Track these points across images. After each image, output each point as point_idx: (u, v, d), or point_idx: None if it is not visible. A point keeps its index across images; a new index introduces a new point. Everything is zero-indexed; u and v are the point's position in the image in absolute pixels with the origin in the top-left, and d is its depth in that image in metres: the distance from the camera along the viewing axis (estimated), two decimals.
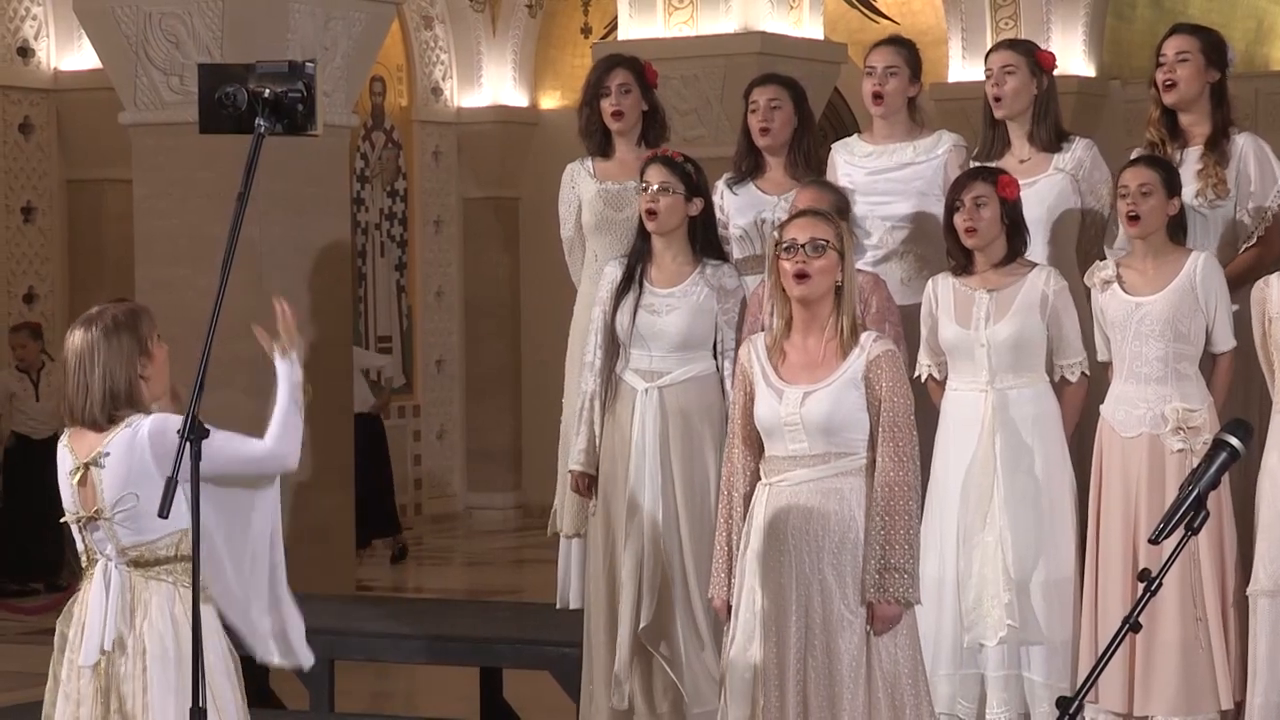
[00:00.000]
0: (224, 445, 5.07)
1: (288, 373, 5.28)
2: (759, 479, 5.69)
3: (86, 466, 5.16)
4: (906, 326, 6.86)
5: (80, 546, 5.26)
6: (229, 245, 4.86)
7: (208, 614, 5.16)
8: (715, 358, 6.87)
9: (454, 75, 16.09)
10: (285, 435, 5.21)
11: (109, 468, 5.12)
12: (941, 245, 6.88)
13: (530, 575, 13.40)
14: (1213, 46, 7.01)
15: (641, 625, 6.71)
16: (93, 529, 5.20)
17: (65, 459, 5.25)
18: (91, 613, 5.19)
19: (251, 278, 9.04)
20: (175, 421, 5.00)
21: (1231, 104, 7.01)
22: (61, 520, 5.31)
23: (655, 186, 6.74)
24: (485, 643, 7.73)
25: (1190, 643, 6.49)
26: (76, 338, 5.17)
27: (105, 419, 5.15)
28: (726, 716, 5.68)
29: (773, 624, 5.59)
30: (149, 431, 5.07)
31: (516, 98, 16.18)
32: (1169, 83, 6.95)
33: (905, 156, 7.23)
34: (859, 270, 6.80)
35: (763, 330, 5.86)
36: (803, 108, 7.34)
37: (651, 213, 6.76)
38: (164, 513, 4.78)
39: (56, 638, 5.30)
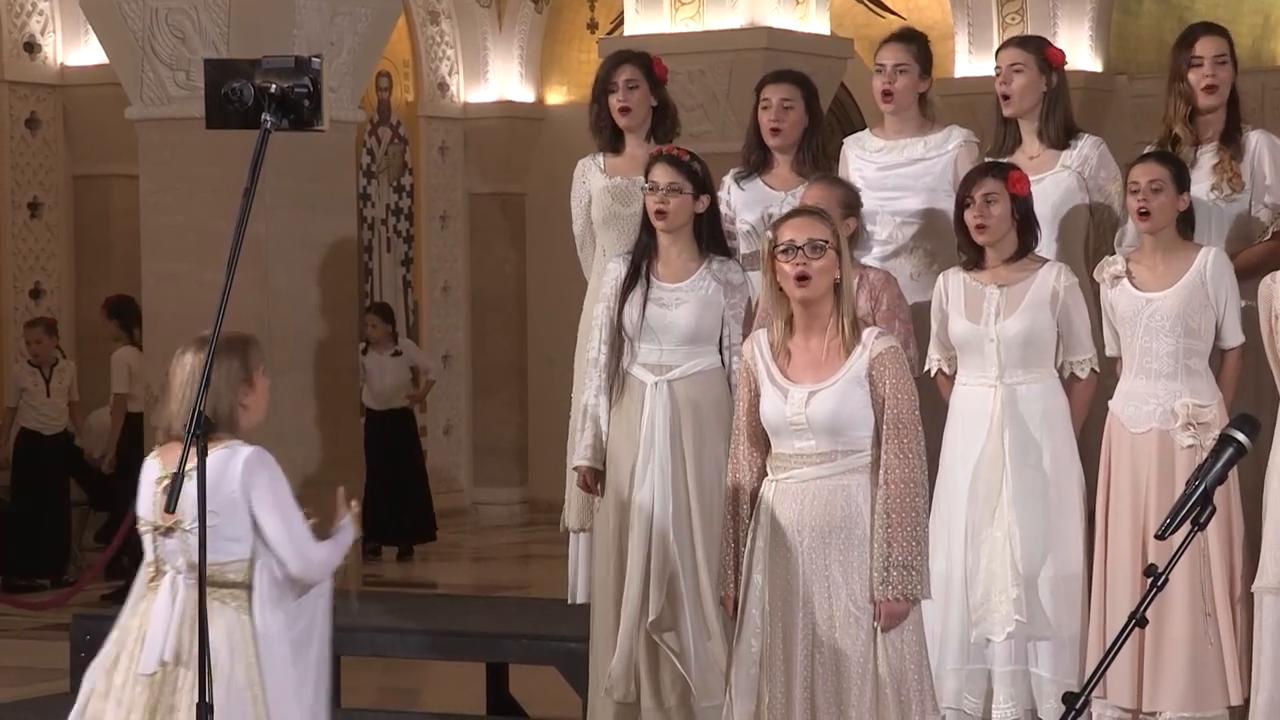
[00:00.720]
0: (289, 512, 5.21)
1: (348, 538, 5.46)
2: (765, 475, 5.69)
3: (174, 476, 5.15)
4: (916, 322, 6.86)
5: (150, 557, 5.32)
6: (235, 241, 4.86)
7: (277, 637, 5.25)
8: (720, 352, 6.87)
9: (460, 71, 16.07)
10: (328, 560, 5.34)
11: (197, 481, 5.11)
12: (951, 241, 6.88)
13: (537, 571, 13.40)
14: (1233, 46, 7.02)
15: (650, 618, 6.71)
16: (167, 538, 5.25)
17: (153, 468, 5.31)
18: (155, 623, 5.23)
19: (258, 273, 9.04)
20: (271, 460, 5.17)
21: (1240, 99, 7.02)
22: (140, 529, 5.35)
23: (664, 187, 6.74)
24: (492, 638, 7.74)
25: (1199, 638, 6.49)
26: (188, 359, 5.27)
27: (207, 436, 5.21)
28: (732, 711, 5.68)
29: (779, 620, 5.59)
30: (245, 459, 5.18)
31: (523, 93, 16.17)
32: (1211, 85, 6.94)
33: (916, 152, 7.22)
34: (870, 267, 6.83)
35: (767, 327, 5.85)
36: (814, 106, 7.34)
37: (661, 213, 6.76)
38: (170, 508, 4.83)
39: (111, 645, 5.34)
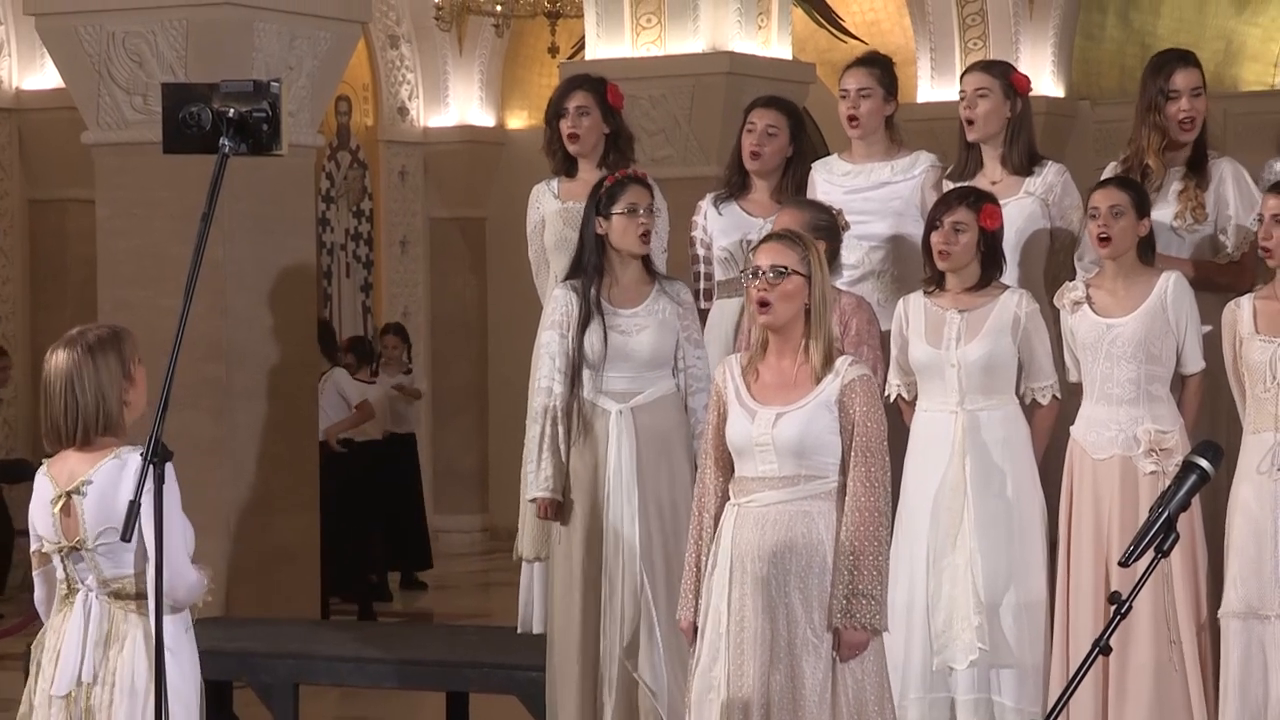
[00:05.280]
0: (171, 527, 5.00)
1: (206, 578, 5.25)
2: (729, 499, 5.65)
3: (69, 495, 5.08)
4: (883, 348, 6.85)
5: (60, 575, 5.18)
6: (193, 266, 4.82)
7: (185, 640, 5.12)
8: (675, 375, 6.84)
9: (420, 95, 16.03)
10: (200, 583, 5.15)
11: (91, 496, 5.05)
12: (919, 266, 6.86)
13: (497, 599, 13.33)
14: (1204, 76, 7.04)
15: (621, 647, 6.67)
16: (75, 559, 5.13)
17: (45, 487, 5.16)
18: (68, 642, 5.12)
19: (216, 299, 8.98)
20: (164, 467, 4.92)
21: (1208, 126, 7.02)
22: (44, 549, 5.20)
23: (645, 208, 6.73)
24: (452, 667, 7.67)
25: (1164, 665, 6.47)
26: (60, 358, 5.08)
27: (91, 440, 5.07)
28: None
29: (738, 646, 5.55)
30: (136, 467, 4.95)
31: (483, 117, 16.14)
32: (1189, 119, 6.94)
33: (883, 176, 7.22)
34: (844, 292, 6.79)
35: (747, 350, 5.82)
36: (799, 136, 7.34)
37: (647, 235, 6.74)
38: (126, 536, 4.74)
39: (31, 665, 5.24)
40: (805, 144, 7.43)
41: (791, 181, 7.30)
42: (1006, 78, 7.10)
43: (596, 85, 7.48)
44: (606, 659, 6.69)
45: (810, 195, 7.23)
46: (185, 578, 5.08)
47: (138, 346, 5.14)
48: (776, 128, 7.28)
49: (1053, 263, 7.12)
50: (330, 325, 14.04)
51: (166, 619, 5.01)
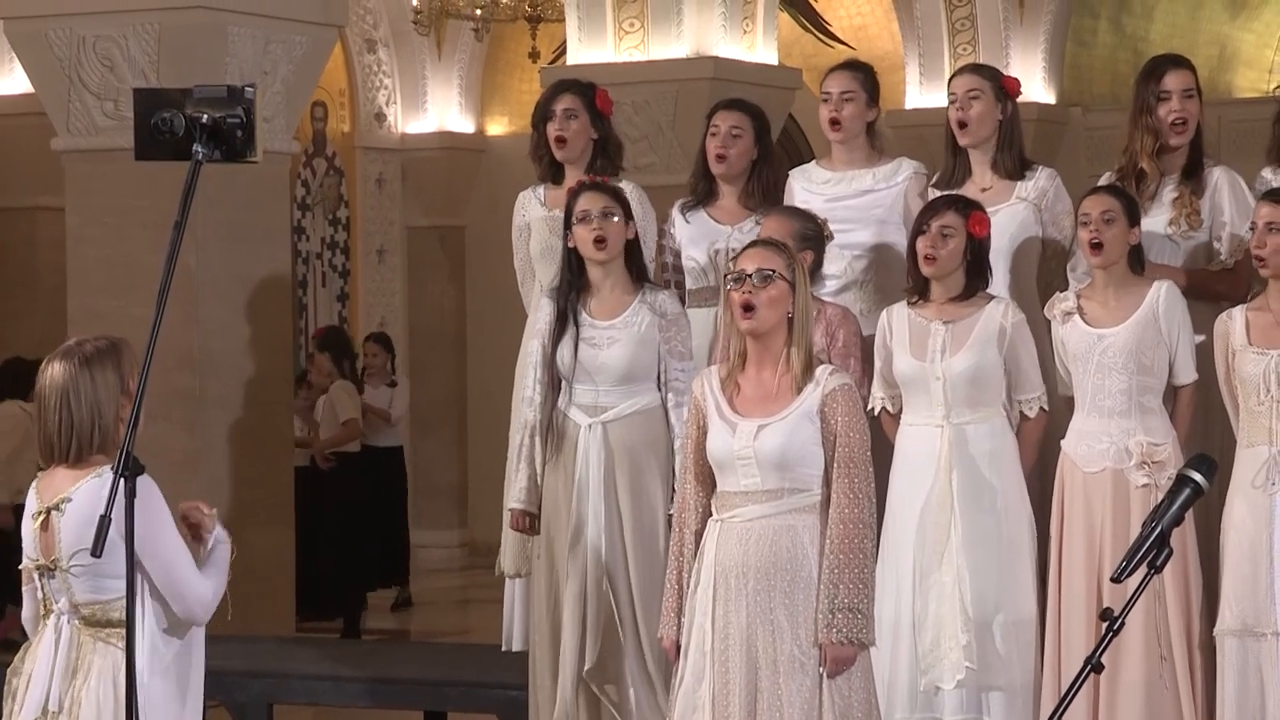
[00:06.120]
0: (171, 551, 4.89)
1: (225, 554, 5.12)
2: (711, 515, 5.58)
3: (49, 511, 4.99)
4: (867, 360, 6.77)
5: (39, 595, 5.10)
6: (165, 275, 4.75)
7: (176, 673, 5.01)
8: (659, 389, 6.75)
9: (398, 100, 15.97)
10: (214, 591, 5.03)
11: (69, 514, 4.95)
12: (902, 275, 6.76)
13: (476, 616, 13.29)
14: (1198, 79, 7.02)
15: (586, 666, 6.61)
16: (49, 578, 5.03)
17: (31, 502, 5.08)
18: (39, 667, 5.03)
19: (188, 308, 8.92)
20: (148, 485, 4.81)
21: (1203, 132, 7.00)
22: (19, 566, 5.13)
23: (598, 214, 6.59)
24: (430, 685, 7.65)
25: (1154, 683, 6.43)
26: (56, 370, 4.98)
27: (84, 457, 4.96)
28: None
29: (722, 664, 5.50)
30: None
31: (462, 124, 16.08)
32: (1181, 120, 6.90)
33: (864, 183, 7.15)
34: (829, 303, 6.72)
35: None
36: (764, 138, 7.26)
37: (601, 241, 6.60)
38: (96, 552, 4.62)
39: (6, 688, 5.16)
40: (771, 147, 7.35)
41: (759, 185, 7.23)
42: (997, 80, 7.07)
43: (585, 90, 7.39)
44: (573, 678, 6.61)
45: (788, 203, 7.15)
46: (201, 598, 5.00)
47: (137, 360, 5.03)
48: (741, 129, 7.21)
49: (1045, 271, 7.07)
50: (343, 332, 13.91)
51: (164, 648, 4.96)
